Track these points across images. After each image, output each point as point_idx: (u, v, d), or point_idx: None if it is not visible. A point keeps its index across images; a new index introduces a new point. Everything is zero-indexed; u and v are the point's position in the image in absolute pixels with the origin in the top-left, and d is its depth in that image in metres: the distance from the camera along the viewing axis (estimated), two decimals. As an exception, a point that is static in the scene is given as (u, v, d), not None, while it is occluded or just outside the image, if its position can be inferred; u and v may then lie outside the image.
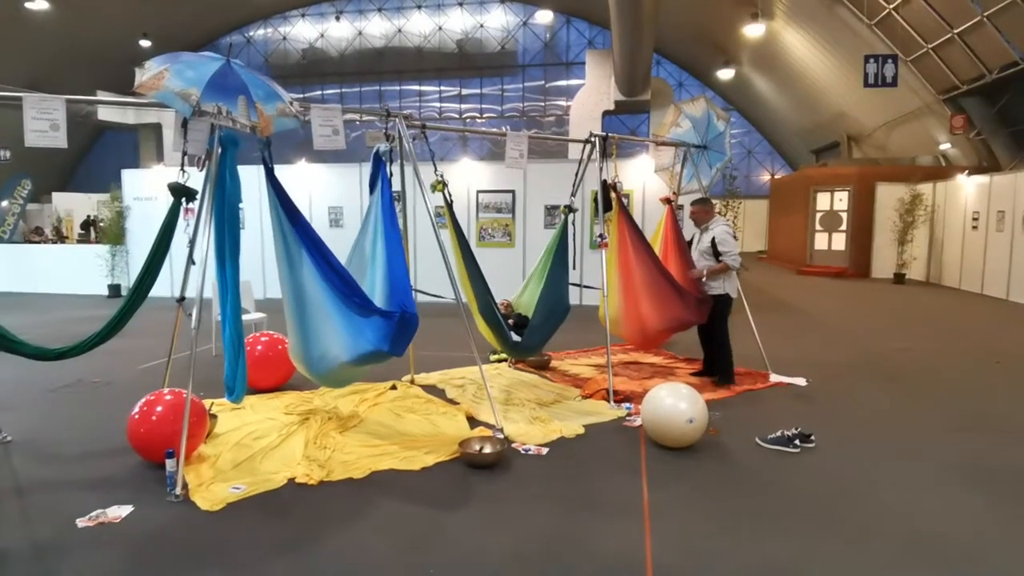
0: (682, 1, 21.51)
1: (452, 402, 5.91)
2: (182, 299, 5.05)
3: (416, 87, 32.27)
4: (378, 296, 5.00)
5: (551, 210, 11.83)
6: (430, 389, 6.34)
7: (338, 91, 32.61)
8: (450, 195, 5.57)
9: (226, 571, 3.18)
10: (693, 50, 28.36)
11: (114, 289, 13.43)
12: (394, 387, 6.28)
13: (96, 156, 33.27)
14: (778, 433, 4.91)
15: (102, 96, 18.71)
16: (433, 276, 6.72)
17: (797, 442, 4.83)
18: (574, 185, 6.75)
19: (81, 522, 3.62)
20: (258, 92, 4.35)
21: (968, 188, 14.96)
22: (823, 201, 18.52)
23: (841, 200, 18.17)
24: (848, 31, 18.41)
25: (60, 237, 21.76)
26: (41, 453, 4.76)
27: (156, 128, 25.93)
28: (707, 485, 4.22)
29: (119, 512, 3.72)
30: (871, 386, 6.64)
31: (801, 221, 19.03)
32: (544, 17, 26.92)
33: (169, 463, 3.98)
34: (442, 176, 5.52)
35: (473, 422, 5.35)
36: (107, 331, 4.50)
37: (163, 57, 4.31)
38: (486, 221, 11.98)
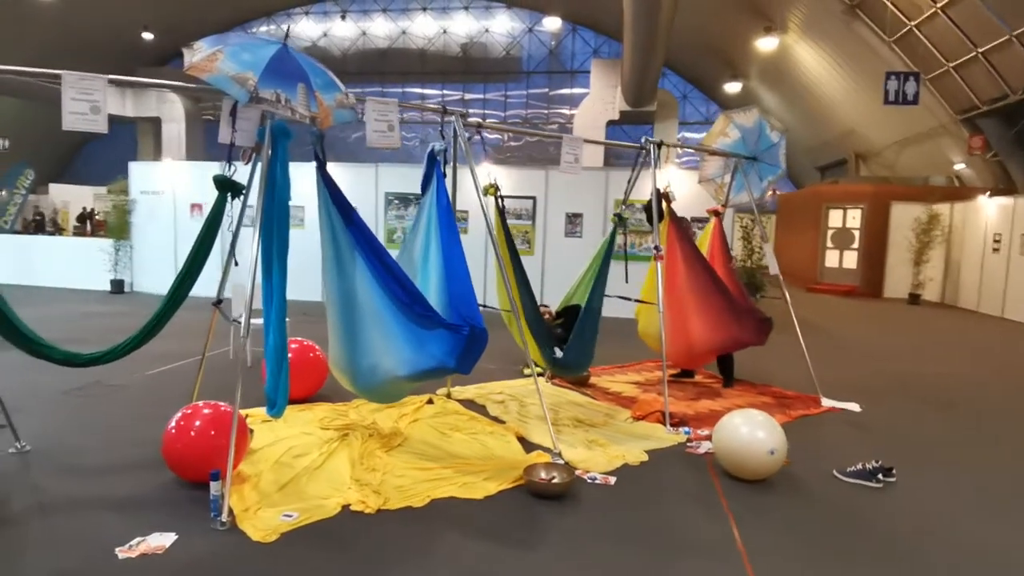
0: (693, 13, 21.32)
1: (497, 420, 5.54)
2: (219, 302, 4.67)
3: (419, 90, 31.93)
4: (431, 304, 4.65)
5: (572, 218, 11.52)
6: (468, 404, 5.98)
7: (340, 91, 32.15)
8: (502, 200, 5.24)
9: (292, 616, 2.81)
10: (700, 62, 28.21)
11: (117, 285, 12.94)
12: (431, 401, 5.92)
13: (93, 148, 32.66)
14: (858, 466, 4.57)
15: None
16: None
17: (880, 476, 4.50)
18: (626, 193, 6.41)
19: (121, 552, 3.22)
20: (317, 80, 4.00)
21: (989, 210, 14.75)
22: (835, 218, 18.30)
23: (854, 218, 17.95)
24: (865, 47, 18.22)
25: (57, 229, 21.27)
26: (63, 465, 4.35)
27: (155, 122, 25.42)
28: (797, 523, 3.88)
29: (162, 541, 3.32)
30: (924, 413, 6.37)
31: (812, 238, 18.79)
32: (552, 24, 26.70)
33: (214, 486, 3.59)
34: (495, 180, 5.18)
35: (525, 444, 4.99)
36: (143, 335, 4.12)
37: (214, 37, 3.95)
38: (512, 228, 11.60)
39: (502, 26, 31.07)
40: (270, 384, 4.05)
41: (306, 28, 32.15)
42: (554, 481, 4.08)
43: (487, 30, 31.10)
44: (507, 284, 5.03)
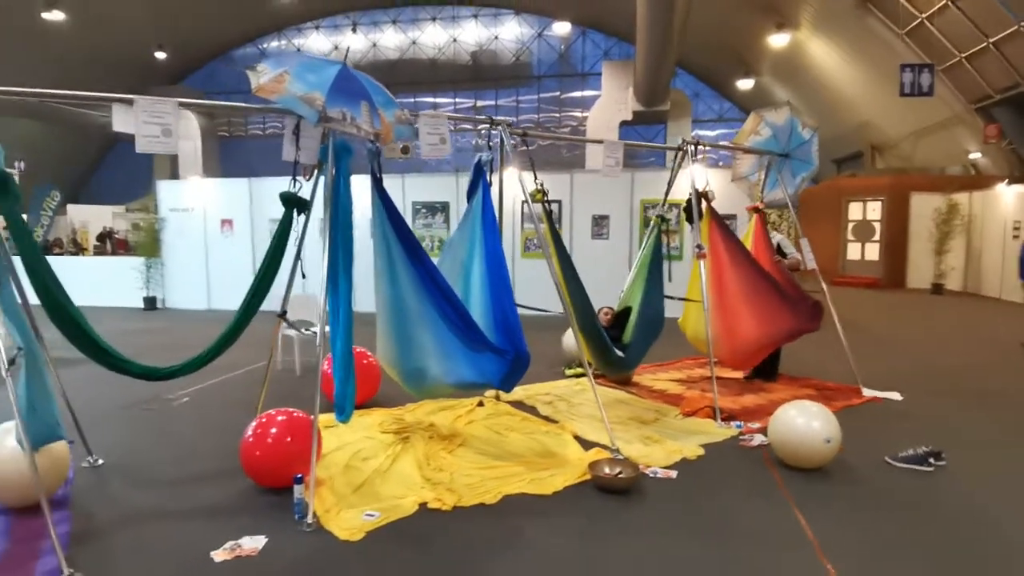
0: (704, 11, 21.42)
1: (548, 419, 5.67)
2: (284, 313, 4.83)
3: (431, 99, 32.10)
4: (474, 315, 4.78)
5: (599, 220, 11.64)
6: (517, 405, 6.11)
7: (352, 103, 32.35)
8: (550, 205, 5.37)
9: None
10: (712, 61, 28.27)
11: (149, 302, 13.16)
12: (481, 404, 6.05)
13: (110, 169, 33.06)
14: (909, 451, 4.68)
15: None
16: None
17: (931, 460, 4.60)
18: (666, 194, 6.53)
19: (217, 555, 3.36)
20: (378, 98, 4.16)
21: (1007, 197, 14.78)
22: (855, 211, 18.35)
23: (874, 210, 18.01)
24: (877, 40, 18.27)
25: (79, 248, 21.56)
26: (138, 477, 4.50)
27: (171, 140, 25.68)
28: (861, 509, 3.98)
29: (254, 544, 3.46)
30: (961, 400, 6.47)
31: (833, 231, 18.84)
32: (562, 28, 26.82)
33: (297, 489, 3.74)
34: (542, 185, 5.31)
35: (581, 441, 5.10)
36: (217, 348, 4.28)
37: (276, 58, 4.13)
38: (531, 232, 11.76)
39: (511, 32, 31.27)
40: (338, 390, 4.19)
41: (317, 42, 32.42)
42: (620, 476, 4.19)
43: (496, 37, 31.30)
44: (557, 286, 5.16)
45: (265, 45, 32.83)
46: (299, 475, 3.76)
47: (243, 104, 4.60)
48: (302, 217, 4.51)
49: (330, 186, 4.13)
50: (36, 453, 3.45)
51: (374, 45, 31.88)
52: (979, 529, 3.72)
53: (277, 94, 3.87)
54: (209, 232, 12.96)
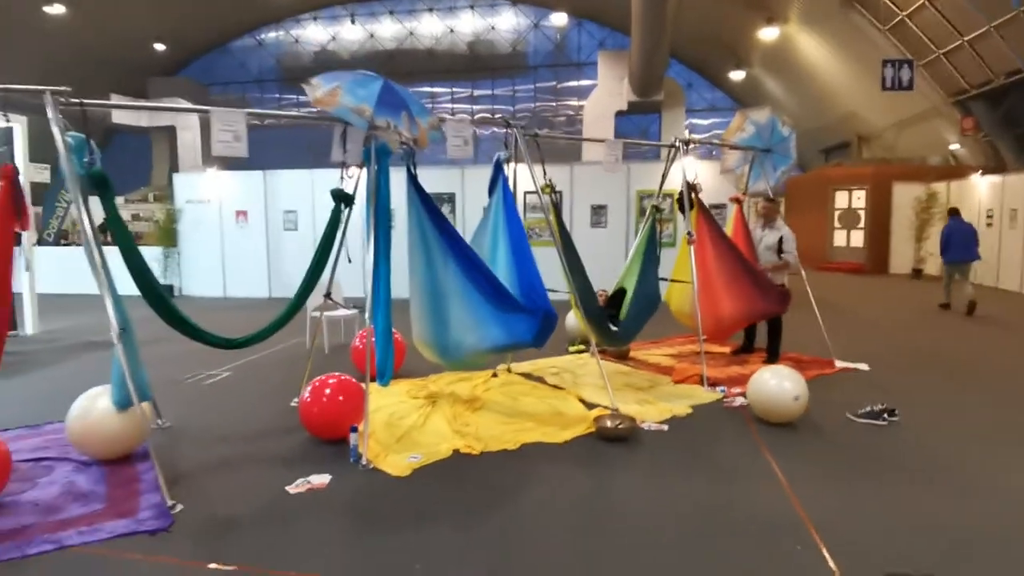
0: (697, 4, 22.09)
1: (556, 387, 6.44)
2: (329, 294, 5.54)
3: (428, 88, 32.67)
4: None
5: (597, 209, 12.38)
6: (527, 376, 6.88)
7: (351, 93, 32.90)
8: (558, 196, 6.09)
9: (448, 526, 3.68)
10: (704, 52, 28.94)
11: (167, 290, 13.80)
12: (495, 375, 6.80)
13: (108, 160, 33.27)
14: (867, 408, 5.46)
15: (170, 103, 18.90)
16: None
17: (886, 416, 5.38)
18: (660, 186, 7.29)
19: (292, 489, 4.10)
20: (414, 107, 4.86)
21: (982, 187, 15.57)
22: (841, 199, 19.14)
23: (859, 198, 18.81)
24: (861, 36, 19.03)
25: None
26: (206, 437, 5.18)
27: (170, 131, 25.92)
28: (822, 454, 4.77)
29: (322, 480, 4.21)
30: (925, 371, 7.28)
31: (820, 219, 19.63)
32: (559, 19, 27.43)
33: (352, 437, 4.49)
34: (550, 180, 6.03)
35: (584, 403, 5.87)
36: (278, 324, 5.03)
37: (328, 75, 4.81)
38: (533, 221, 12.48)
39: (507, 23, 31.84)
40: (380, 358, 4.90)
41: (315, 33, 32.93)
42: (620, 427, 4.95)
43: (493, 27, 31.88)
44: (564, 270, 5.89)
45: (263, 36, 33.29)
46: (355, 425, 4.50)
47: (283, 112, 5.29)
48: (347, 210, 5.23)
49: (373, 183, 4.83)
50: (129, 411, 4.20)
51: (371, 36, 32.41)
52: (925, 468, 4.49)
53: (332, 106, 4.59)
54: (225, 223, 13.62)
